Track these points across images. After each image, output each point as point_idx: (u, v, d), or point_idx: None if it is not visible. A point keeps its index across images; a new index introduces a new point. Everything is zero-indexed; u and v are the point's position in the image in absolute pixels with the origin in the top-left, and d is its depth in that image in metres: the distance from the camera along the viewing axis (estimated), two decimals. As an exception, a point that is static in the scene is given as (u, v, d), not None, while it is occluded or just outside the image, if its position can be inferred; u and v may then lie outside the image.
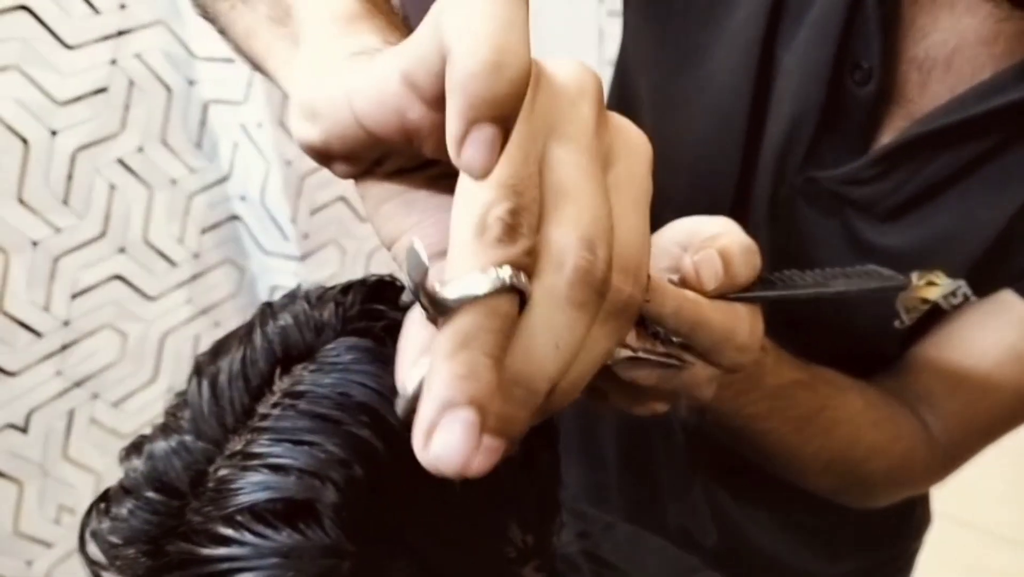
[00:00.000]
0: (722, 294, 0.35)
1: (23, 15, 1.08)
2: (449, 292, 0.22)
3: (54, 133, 1.16)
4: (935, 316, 0.55)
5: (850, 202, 0.52)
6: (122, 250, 1.33)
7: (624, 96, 0.65)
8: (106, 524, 0.37)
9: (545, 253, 0.23)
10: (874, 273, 0.37)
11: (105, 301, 1.32)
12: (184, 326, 1.44)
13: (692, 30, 0.57)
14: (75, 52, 1.15)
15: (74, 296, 1.27)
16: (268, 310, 0.40)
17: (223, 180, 1.44)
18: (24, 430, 1.25)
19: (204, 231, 1.45)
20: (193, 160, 1.38)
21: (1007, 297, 0.52)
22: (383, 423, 0.36)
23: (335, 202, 1.50)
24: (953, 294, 0.52)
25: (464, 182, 0.23)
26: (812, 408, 0.51)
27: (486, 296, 0.22)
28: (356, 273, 1.63)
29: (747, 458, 0.55)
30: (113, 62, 1.21)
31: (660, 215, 0.62)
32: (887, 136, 0.51)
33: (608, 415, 0.77)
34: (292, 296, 0.41)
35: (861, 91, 0.50)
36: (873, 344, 0.57)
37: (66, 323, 1.27)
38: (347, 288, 0.42)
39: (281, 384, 0.38)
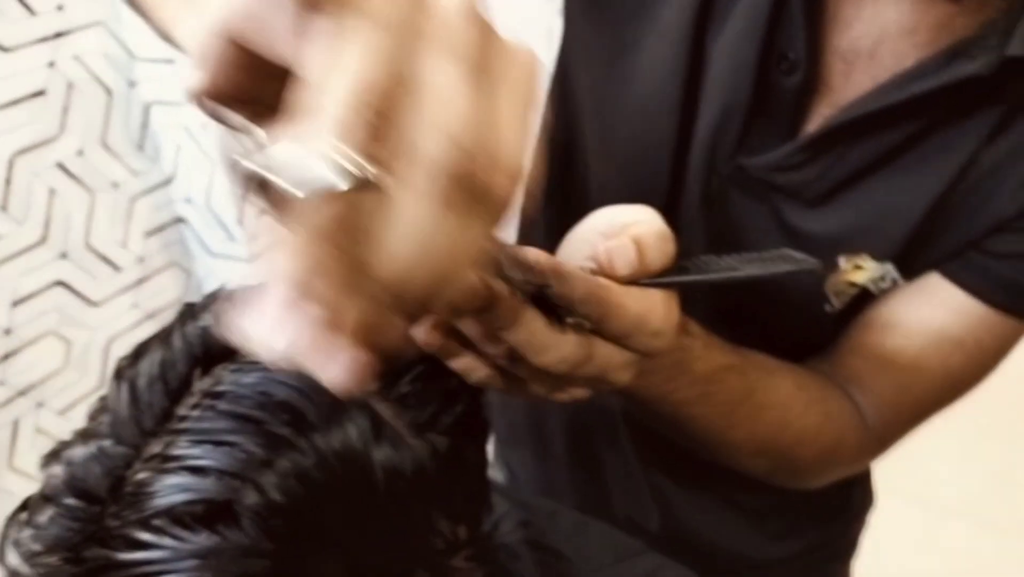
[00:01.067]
0: (635, 280, 0.36)
1: (-48, 16, 1.05)
2: (307, 175, 0.21)
3: (-11, 137, 1.13)
4: (866, 299, 0.56)
5: (778, 188, 0.53)
6: (64, 256, 1.30)
7: (564, 92, 0.66)
8: (27, 533, 0.37)
9: (413, 151, 0.22)
10: (788, 256, 0.38)
11: (48, 308, 1.30)
12: (130, 332, 1.42)
13: (624, 22, 0.58)
14: (11, 54, 1.13)
15: (15, 304, 1.25)
16: (188, 311, 0.40)
17: (167, 182, 1.42)
18: (-35, 441, 1.22)
19: (148, 234, 1.42)
20: (135, 163, 1.36)
21: (933, 280, 0.54)
22: (304, 421, 0.36)
23: (283, 202, 1.49)
24: (882, 278, 0.54)
25: (319, 77, 0.22)
26: (741, 393, 0.52)
27: (348, 189, 0.21)
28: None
29: (685, 445, 0.56)
30: (51, 64, 1.19)
31: (597, 207, 0.63)
32: (813, 124, 0.52)
33: (556, 406, 0.78)
34: (213, 296, 0.40)
35: (788, 81, 0.51)
36: (806, 329, 0.58)
37: (7, 331, 1.25)
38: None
39: (201, 384, 0.38)
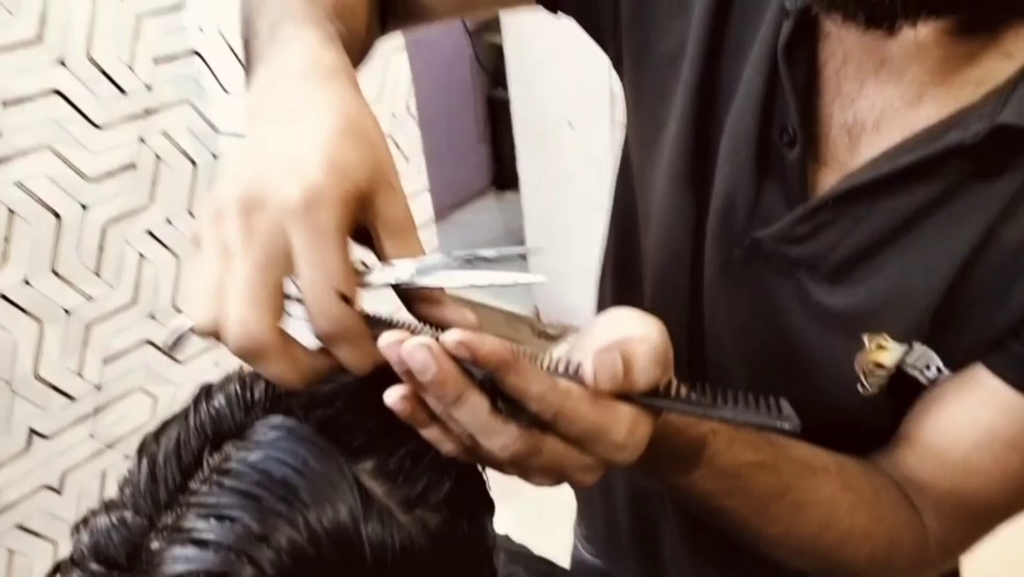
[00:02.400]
0: (621, 394, 0.37)
1: (55, 98, 1.16)
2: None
3: (85, 207, 1.23)
4: (913, 386, 0.53)
5: (797, 263, 0.53)
6: (152, 316, 1.39)
7: (625, 172, 0.68)
8: (57, 594, 0.40)
9: None
10: (772, 407, 0.38)
11: (136, 365, 1.39)
12: (212, 387, 1.50)
13: (656, 109, 0.61)
14: (104, 131, 1.23)
15: (106, 361, 1.34)
16: (205, 391, 0.43)
17: (248, 246, 1.51)
18: (59, 491, 1.31)
19: (231, 295, 1.51)
20: (219, 228, 1.45)
21: (979, 372, 0.50)
22: (298, 498, 0.39)
23: (355, 264, 1.55)
24: (927, 367, 0.51)
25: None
26: (775, 489, 0.50)
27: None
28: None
29: (728, 533, 0.54)
30: (141, 139, 1.29)
31: (639, 269, 0.65)
32: (824, 191, 0.52)
33: (620, 473, 0.77)
34: (229, 377, 0.44)
35: (790, 153, 0.51)
36: (845, 412, 0.55)
37: (98, 387, 1.34)
38: (281, 367, 0.45)
39: (211, 461, 0.40)
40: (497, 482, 0.45)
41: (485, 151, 3.61)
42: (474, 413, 0.35)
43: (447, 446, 0.39)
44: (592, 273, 0.86)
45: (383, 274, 0.39)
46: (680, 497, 0.50)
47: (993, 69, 0.46)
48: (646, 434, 0.38)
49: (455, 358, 0.34)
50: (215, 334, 0.38)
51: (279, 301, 0.37)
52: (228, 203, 0.36)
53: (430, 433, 0.39)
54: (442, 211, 3.27)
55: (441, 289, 0.40)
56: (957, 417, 0.51)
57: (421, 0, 0.67)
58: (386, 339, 0.34)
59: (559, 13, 0.67)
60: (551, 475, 0.38)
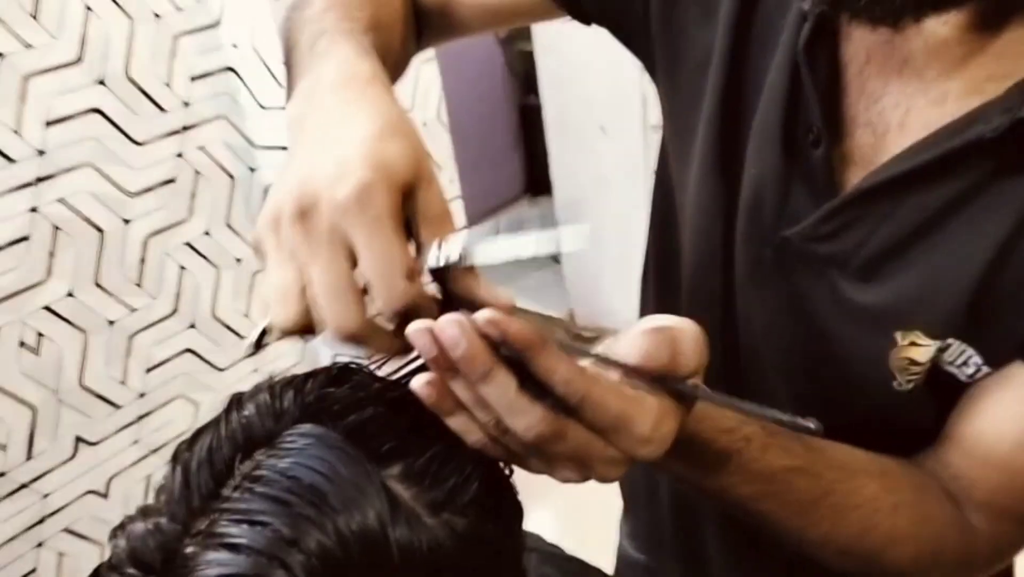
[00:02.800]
0: (661, 378, 0.37)
1: (95, 117, 1.19)
2: None
3: (127, 222, 1.27)
4: (951, 383, 0.52)
5: (828, 261, 0.53)
6: (192, 326, 1.42)
7: (663, 162, 0.70)
8: (95, 599, 0.42)
9: None
10: (790, 420, 0.39)
11: (178, 373, 1.42)
12: (251, 395, 1.53)
13: (688, 110, 0.62)
14: (144, 147, 1.27)
15: (148, 370, 1.37)
16: (236, 401, 0.44)
17: (285, 256, 1.53)
18: (105, 496, 1.34)
19: (268, 305, 1.53)
20: (256, 239, 1.48)
21: (1017, 370, 0.50)
22: (327, 503, 0.40)
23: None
24: (965, 363, 0.51)
25: None
26: (814, 493, 0.50)
27: None
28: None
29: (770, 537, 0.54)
30: (179, 155, 1.32)
31: (679, 272, 0.66)
32: (847, 192, 0.52)
33: (664, 483, 0.78)
34: (260, 386, 0.45)
35: (815, 152, 0.52)
36: (884, 408, 0.55)
37: (142, 395, 1.37)
38: (309, 375, 0.46)
39: (242, 468, 0.42)
40: (536, 482, 0.45)
41: (518, 158, 3.63)
42: (501, 390, 0.36)
43: (473, 435, 0.39)
44: (627, 277, 0.87)
45: (433, 255, 0.41)
46: (718, 502, 0.50)
47: (1015, 63, 0.46)
48: (672, 430, 0.38)
49: (486, 338, 0.35)
50: (296, 332, 0.41)
51: (357, 291, 0.39)
52: (283, 211, 0.40)
53: (456, 422, 0.39)
54: (476, 218, 3.29)
55: (475, 274, 0.43)
56: (999, 416, 0.51)
57: (454, 15, 0.70)
58: (414, 326, 0.36)
59: (592, 24, 0.68)
60: (575, 466, 0.39)
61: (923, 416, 0.55)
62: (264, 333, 0.44)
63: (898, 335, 0.51)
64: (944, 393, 0.53)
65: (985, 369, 0.50)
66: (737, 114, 0.57)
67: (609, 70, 2.08)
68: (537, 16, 0.72)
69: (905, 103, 0.50)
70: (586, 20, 0.68)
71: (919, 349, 0.50)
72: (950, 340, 0.50)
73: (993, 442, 0.51)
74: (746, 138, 0.56)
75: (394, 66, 0.59)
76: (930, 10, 0.43)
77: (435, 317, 0.37)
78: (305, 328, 0.41)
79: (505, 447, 0.39)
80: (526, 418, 0.36)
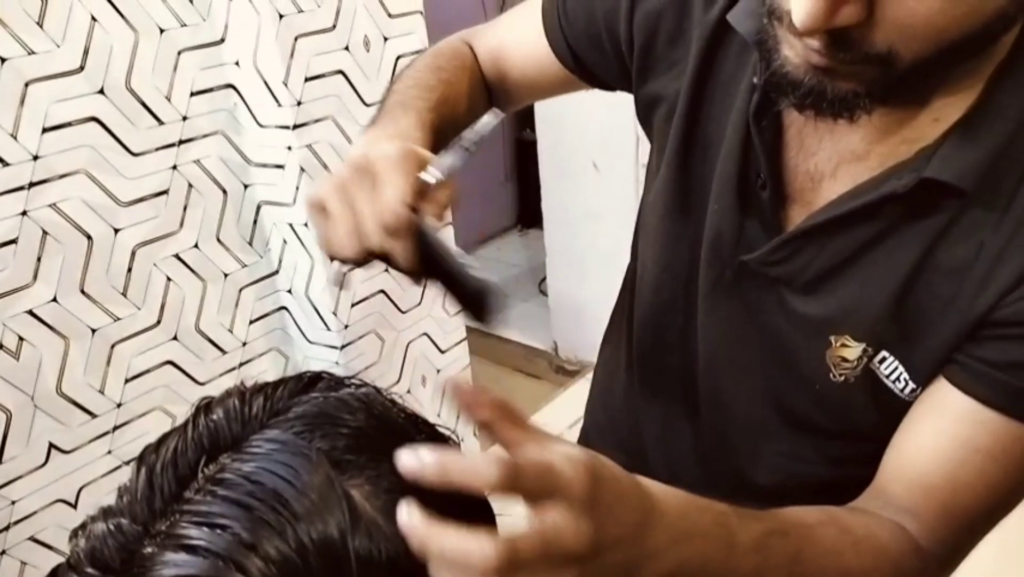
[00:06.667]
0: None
1: (93, 125, 1.21)
2: None
3: (117, 231, 1.28)
4: (883, 391, 0.61)
5: (776, 279, 0.65)
6: (175, 338, 1.42)
7: (646, 194, 0.81)
8: (52, 598, 0.42)
9: None
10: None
11: (157, 384, 1.41)
12: (229, 411, 1.52)
13: (657, 153, 0.74)
14: (139, 158, 1.28)
15: (128, 380, 1.37)
16: (205, 406, 0.45)
17: (272, 274, 1.54)
18: (74, 505, 1.33)
19: (252, 321, 1.54)
20: (245, 256, 1.49)
21: (948, 396, 0.58)
22: (289, 509, 0.40)
23: (375, 295, 1.58)
24: (897, 379, 0.60)
25: None
26: (792, 552, 0.53)
27: None
28: (395, 361, 1.69)
29: None
30: (174, 167, 1.33)
31: (642, 284, 0.78)
32: (791, 227, 0.64)
33: None
34: (230, 391, 0.45)
35: (764, 194, 0.64)
36: (823, 396, 0.65)
37: (119, 405, 1.36)
38: (279, 383, 0.46)
39: (207, 472, 0.42)
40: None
41: (512, 190, 3.66)
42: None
43: None
44: (610, 312, 0.90)
45: (428, 174, 0.59)
46: None
47: (923, 130, 0.57)
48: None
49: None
50: (361, 261, 0.59)
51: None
52: (346, 170, 0.58)
53: None
54: (467, 246, 3.30)
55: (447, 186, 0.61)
56: (936, 441, 0.58)
57: (511, 92, 0.87)
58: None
59: (616, 90, 0.82)
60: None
61: (857, 412, 0.64)
62: (341, 274, 0.62)
63: (832, 337, 0.62)
64: (881, 402, 0.62)
65: (912, 385, 0.60)
66: (692, 160, 0.69)
67: (604, 109, 2.12)
68: (567, 88, 0.85)
69: (836, 157, 0.61)
70: (611, 88, 0.81)
71: (848, 349, 0.62)
72: (882, 352, 0.61)
73: (936, 467, 0.58)
74: (699, 180, 0.69)
75: (459, 125, 0.75)
76: (847, 119, 0.53)
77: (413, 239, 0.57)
78: (364, 258, 0.58)
79: None
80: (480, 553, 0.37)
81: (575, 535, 0.39)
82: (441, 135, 0.71)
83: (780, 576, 0.52)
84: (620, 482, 0.43)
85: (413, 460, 0.38)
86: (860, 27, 0.46)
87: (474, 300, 0.59)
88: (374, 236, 0.56)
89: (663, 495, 0.46)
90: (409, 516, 0.38)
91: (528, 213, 3.59)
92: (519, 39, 0.84)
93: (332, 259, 0.60)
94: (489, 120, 0.63)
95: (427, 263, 0.58)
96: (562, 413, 2.46)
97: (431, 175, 0.59)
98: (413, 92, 0.74)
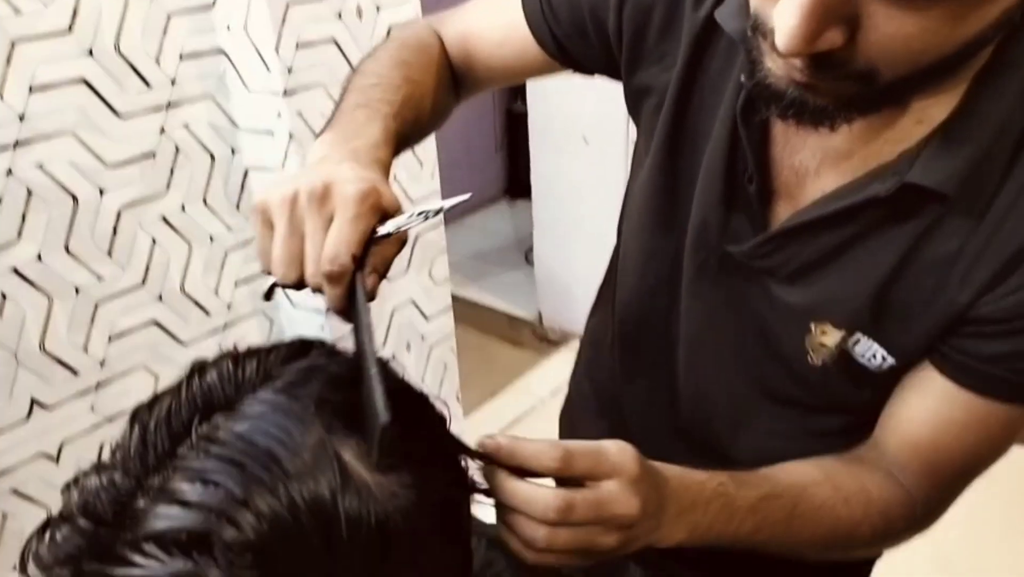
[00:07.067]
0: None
1: (81, 87, 1.20)
2: None
3: (102, 192, 1.27)
4: (871, 376, 0.66)
5: (761, 270, 0.67)
6: (160, 298, 1.43)
7: (632, 179, 0.83)
8: (44, 547, 0.43)
9: None
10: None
11: (141, 344, 1.42)
12: (213, 373, 1.53)
13: (643, 142, 0.77)
14: (126, 121, 1.27)
15: (111, 339, 1.37)
16: (199, 367, 0.46)
17: (258, 238, 1.54)
18: (56, 460, 1.34)
19: (238, 284, 1.54)
20: (231, 219, 1.49)
21: (931, 377, 0.63)
22: (281, 468, 0.42)
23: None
24: (873, 356, 0.64)
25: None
26: (787, 511, 0.63)
27: None
28: (380, 327, 1.70)
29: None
30: (162, 130, 1.33)
31: (627, 266, 0.81)
32: (777, 221, 0.66)
33: None
34: (223, 355, 0.47)
35: (750, 188, 0.66)
36: (801, 376, 0.69)
37: (102, 363, 1.37)
38: (272, 348, 0.48)
39: (200, 430, 0.44)
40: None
41: (501, 160, 3.66)
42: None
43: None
44: (596, 284, 0.92)
45: (383, 228, 0.56)
46: (725, 549, 0.62)
47: (907, 132, 0.58)
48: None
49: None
50: (295, 286, 0.56)
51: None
52: (302, 191, 0.54)
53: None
54: (455, 215, 3.31)
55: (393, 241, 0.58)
56: (922, 413, 0.65)
57: (474, 76, 0.86)
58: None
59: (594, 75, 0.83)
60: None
61: (835, 389, 0.68)
62: (272, 287, 0.60)
63: (813, 324, 0.66)
64: (856, 378, 0.66)
65: (890, 360, 0.64)
66: (678, 151, 0.71)
67: (596, 83, 2.11)
68: (544, 72, 0.85)
69: (820, 154, 0.63)
70: (589, 71, 0.82)
71: (828, 335, 0.65)
72: (857, 335, 0.64)
73: (920, 432, 0.65)
74: (685, 172, 0.71)
75: (423, 125, 0.78)
76: (827, 127, 0.54)
77: (345, 288, 0.54)
78: (298, 284, 0.56)
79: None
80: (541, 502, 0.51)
81: (626, 505, 0.52)
82: (403, 141, 0.71)
83: (779, 530, 0.62)
84: (652, 465, 0.56)
85: (491, 443, 0.52)
86: (842, 50, 0.47)
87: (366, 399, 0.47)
88: (310, 272, 0.54)
89: (667, 471, 0.58)
90: (496, 450, 0.52)
91: (517, 184, 3.60)
92: (492, 23, 0.83)
93: (267, 272, 0.58)
94: (461, 199, 0.59)
95: (351, 318, 0.55)
96: (544, 381, 2.49)
97: (386, 228, 0.55)
98: (377, 93, 0.70)
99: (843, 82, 0.50)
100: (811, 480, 0.65)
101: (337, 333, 1.61)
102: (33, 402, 1.29)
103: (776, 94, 0.53)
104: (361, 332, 0.52)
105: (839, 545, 0.67)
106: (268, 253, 0.57)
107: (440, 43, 0.83)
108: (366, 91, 0.71)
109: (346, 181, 0.54)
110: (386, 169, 0.63)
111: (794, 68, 0.50)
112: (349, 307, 0.55)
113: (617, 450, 0.53)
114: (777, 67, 0.52)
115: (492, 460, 0.52)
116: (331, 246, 0.53)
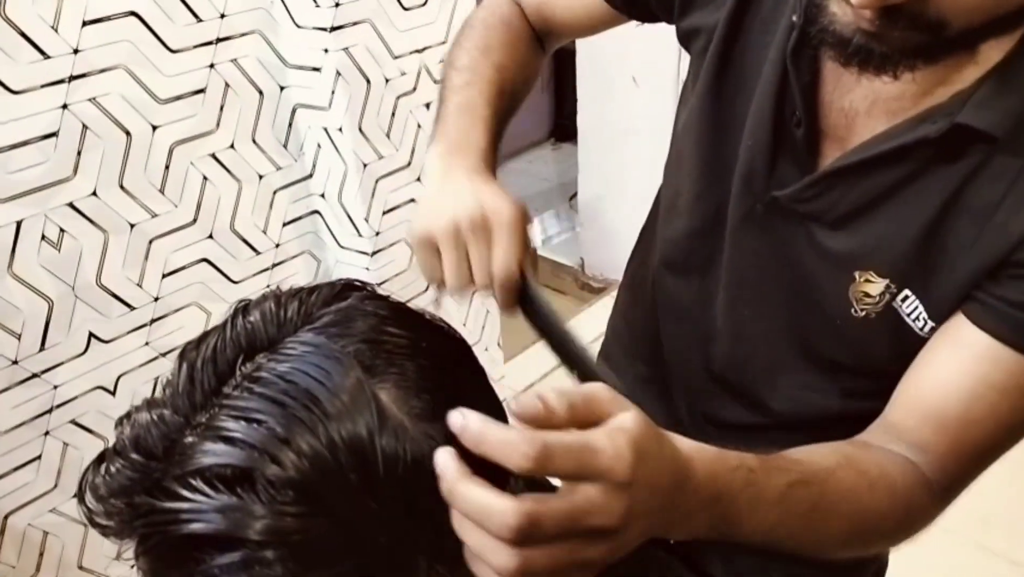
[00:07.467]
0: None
1: (132, 20, 1.20)
2: None
3: (155, 128, 1.29)
4: (902, 328, 0.63)
5: (806, 215, 0.67)
6: (211, 236, 1.45)
7: (678, 118, 0.84)
8: (99, 479, 0.45)
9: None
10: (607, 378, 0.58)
11: (193, 281, 1.45)
12: (262, 310, 1.56)
13: (689, 83, 0.78)
14: (177, 56, 1.28)
15: (165, 275, 1.40)
16: (243, 307, 0.47)
17: (306, 178, 1.55)
18: (112, 392, 1.39)
19: (286, 224, 1.56)
20: (279, 158, 1.49)
21: (965, 332, 0.59)
22: (320, 407, 0.42)
23: (406, 204, 1.59)
24: (917, 317, 0.62)
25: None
26: (813, 500, 0.55)
27: None
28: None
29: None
30: (211, 66, 1.33)
31: (673, 207, 0.82)
32: (824, 165, 0.66)
33: None
34: (266, 295, 0.47)
35: (798, 132, 0.66)
36: (842, 330, 0.67)
37: (156, 299, 1.40)
38: (314, 289, 0.48)
39: (244, 369, 0.44)
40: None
41: (547, 102, 3.61)
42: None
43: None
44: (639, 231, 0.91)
45: (534, 240, 0.65)
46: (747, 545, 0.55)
47: (960, 73, 0.57)
48: (630, 442, 0.41)
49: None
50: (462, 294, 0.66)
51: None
52: (463, 220, 0.64)
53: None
54: (499, 159, 3.28)
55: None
56: (950, 375, 0.60)
57: (561, 35, 0.93)
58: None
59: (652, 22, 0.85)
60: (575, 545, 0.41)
61: (876, 346, 0.67)
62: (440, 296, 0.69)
63: (856, 273, 0.65)
64: (898, 338, 0.64)
65: (931, 324, 0.62)
66: (724, 94, 0.71)
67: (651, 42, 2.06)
68: (614, 24, 0.90)
69: (871, 95, 0.62)
70: (653, 19, 0.85)
71: (871, 284, 0.64)
72: (905, 291, 0.62)
73: (950, 400, 0.60)
74: (737, 113, 0.70)
75: (518, 101, 0.85)
76: (891, 75, 0.55)
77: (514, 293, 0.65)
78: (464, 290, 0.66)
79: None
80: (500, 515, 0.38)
81: (606, 514, 0.40)
82: (503, 126, 0.79)
83: (798, 524, 0.54)
84: (663, 455, 0.43)
85: (459, 419, 0.38)
86: (914, 2, 0.47)
87: (579, 368, 0.63)
88: (481, 283, 0.65)
89: (698, 457, 0.47)
90: (444, 463, 0.39)
91: (562, 127, 3.55)
92: None
93: (437, 286, 0.68)
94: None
95: (531, 318, 0.66)
96: (585, 329, 2.48)
97: (536, 241, 0.62)
98: (473, 93, 0.77)
99: (910, 32, 0.50)
100: (836, 463, 0.58)
101: (382, 275, 1.62)
102: (91, 336, 1.33)
103: (842, 40, 0.53)
104: (551, 318, 0.64)
105: (863, 538, 0.61)
106: (436, 273, 0.67)
107: (520, 12, 0.89)
108: (461, 91, 0.78)
109: (499, 208, 0.64)
110: (495, 168, 0.73)
111: (862, 17, 0.50)
112: (516, 304, 0.66)
113: (614, 450, 0.40)
114: (844, 13, 0.52)
115: (457, 445, 0.39)
116: (503, 266, 0.63)
